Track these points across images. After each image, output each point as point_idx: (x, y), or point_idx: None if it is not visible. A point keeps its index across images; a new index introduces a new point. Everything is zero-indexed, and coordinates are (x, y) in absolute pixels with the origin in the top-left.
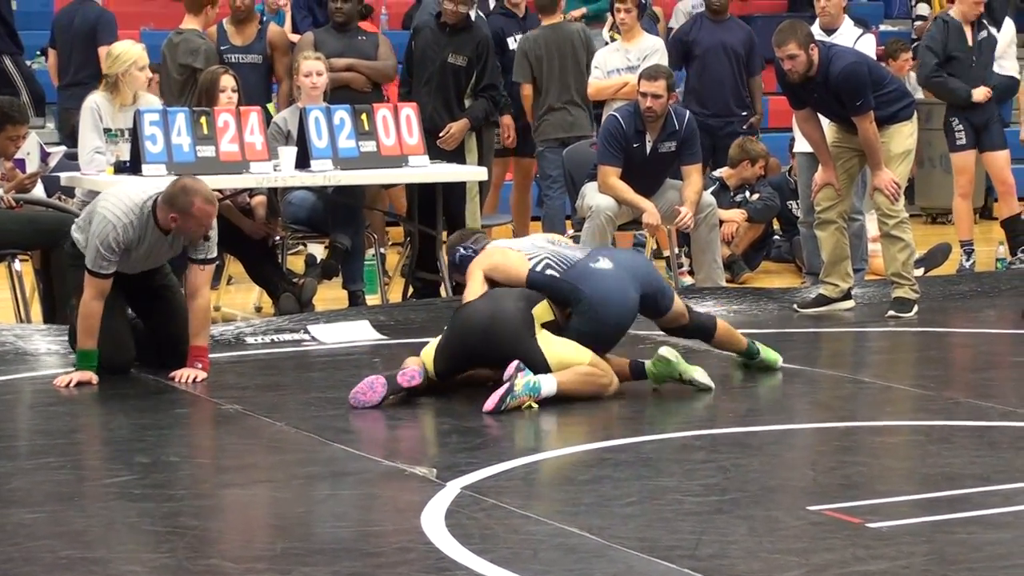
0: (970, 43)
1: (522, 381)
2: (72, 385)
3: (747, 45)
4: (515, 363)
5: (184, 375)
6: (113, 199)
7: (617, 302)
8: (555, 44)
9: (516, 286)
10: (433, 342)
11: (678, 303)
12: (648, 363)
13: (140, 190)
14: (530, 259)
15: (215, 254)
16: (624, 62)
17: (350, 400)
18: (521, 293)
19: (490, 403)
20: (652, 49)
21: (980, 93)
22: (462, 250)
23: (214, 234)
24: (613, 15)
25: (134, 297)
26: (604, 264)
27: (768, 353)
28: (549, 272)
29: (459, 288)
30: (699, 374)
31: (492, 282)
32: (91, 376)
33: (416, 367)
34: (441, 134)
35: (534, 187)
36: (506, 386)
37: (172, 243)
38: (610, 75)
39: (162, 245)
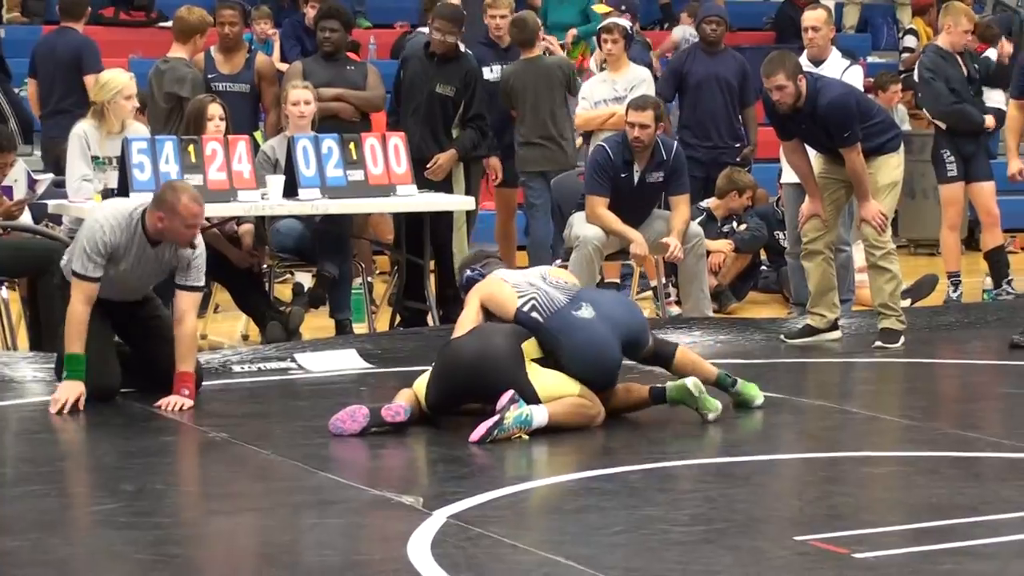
0: (965, 73)
1: (513, 414)
2: (66, 410)
3: (740, 76)
4: (510, 393)
5: (170, 403)
6: (101, 209)
7: (595, 355)
8: (532, 78)
9: (506, 321)
10: (426, 373)
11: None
12: (669, 387)
13: (130, 203)
14: (519, 296)
15: (202, 282)
16: (611, 92)
17: (329, 426)
18: (511, 329)
19: (477, 433)
20: (639, 79)
21: (989, 120)
22: (469, 272)
23: (201, 261)
24: (600, 46)
25: (125, 328)
26: (586, 313)
27: (747, 388)
28: (534, 315)
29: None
30: (714, 411)
31: (486, 311)
32: (80, 389)
33: (404, 403)
34: (429, 165)
35: (520, 216)
36: (496, 418)
37: (159, 259)
38: (597, 106)
39: (149, 261)
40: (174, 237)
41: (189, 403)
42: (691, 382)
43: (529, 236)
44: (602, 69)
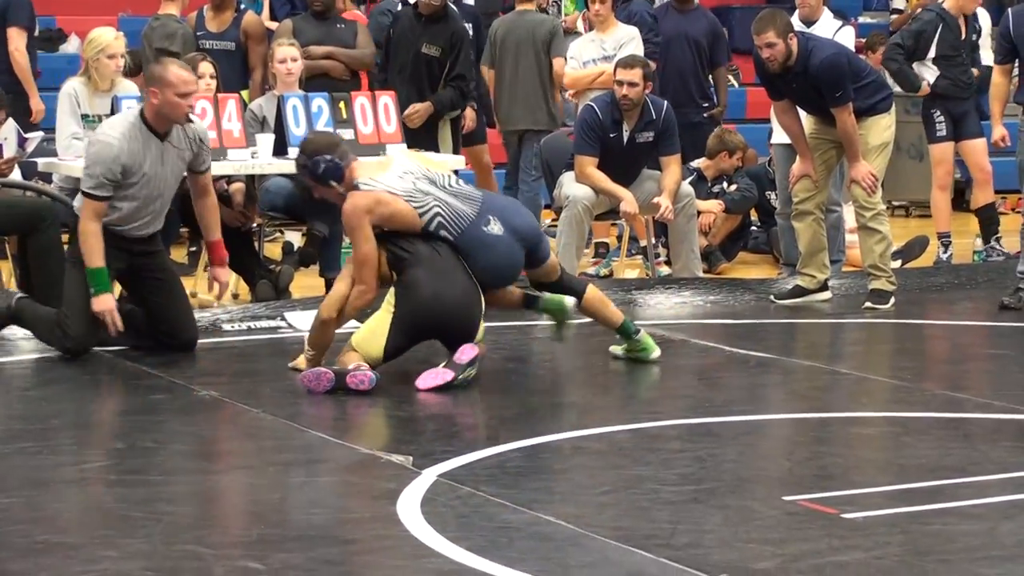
0: (963, 37)
1: (464, 374)
2: (113, 326)
3: (711, 36)
4: (473, 353)
5: (216, 285)
6: (103, 128)
7: (506, 269)
8: (516, 31)
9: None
10: (367, 328)
11: (552, 258)
12: (546, 297)
13: (125, 112)
14: (418, 209)
15: (210, 164)
16: (599, 52)
17: (298, 381)
18: (462, 264)
19: (427, 383)
20: (628, 38)
21: (924, 87)
22: (327, 162)
23: (207, 139)
24: (588, 5)
25: (133, 284)
26: (495, 228)
27: (647, 340)
28: (443, 233)
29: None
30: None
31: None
32: (112, 303)
33: (368, 372)
34: (406, 112)
35: (499, 175)
36: (451, 377)
37: (176, 150)
38: (586, 65)
39: (162, 163)
40: (171, 111)
41: (225, 279)
42: (568, 301)
43: (519, 197)
44: (590, 28)
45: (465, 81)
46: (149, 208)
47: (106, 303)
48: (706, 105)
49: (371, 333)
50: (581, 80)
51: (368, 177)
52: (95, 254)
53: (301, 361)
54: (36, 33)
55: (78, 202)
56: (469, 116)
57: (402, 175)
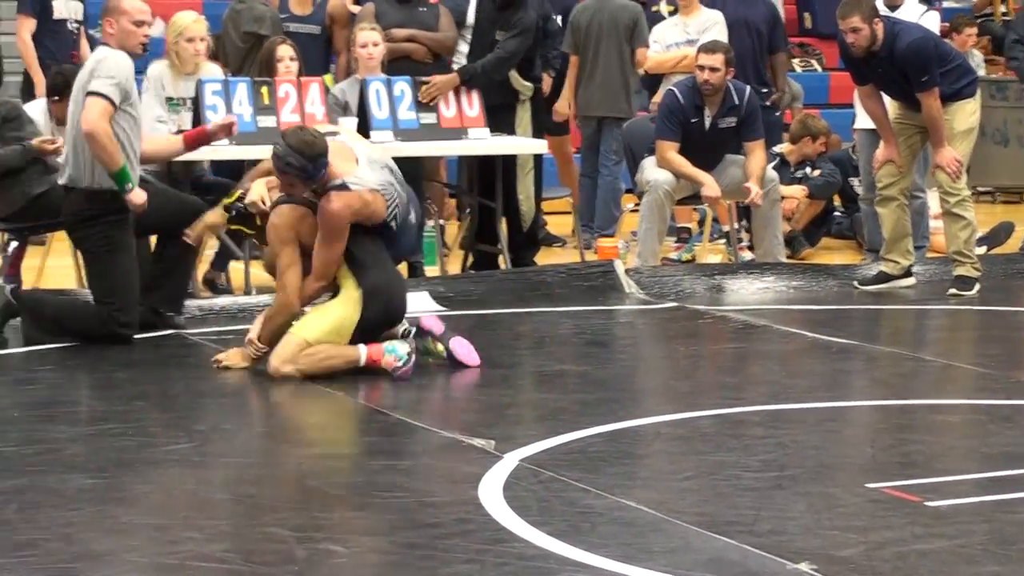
0: None
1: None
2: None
3: (770, 22)
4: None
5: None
6: (110, 55)
7: (408, 251)
8: (598, 17)
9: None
10: (327, 326)
11: None
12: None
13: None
14: (387, 202)
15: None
16: (683, 36)
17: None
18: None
19: (472, 358)
20: (712, 22)
21: None
22: (324, 165)
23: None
24: None
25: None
26: (413, 218)
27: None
28: (391, 224)
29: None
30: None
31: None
32: (144, 195)
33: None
34: (424, 87)
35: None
36: (412, 363)
37: None
38: (668, 49)
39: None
40: (126, 39)
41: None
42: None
43: (600, 183)
44: (671, 14)
45: (505, 59)
46: (137, 142)
47: (142, 196)
48: (764, 91)
49: (335, 332)
50: (664, 64)
51: (353, 176)
52: (118, 153)
53: (235, 357)
54: (56, 15)
55: (71, 170)
56: (547, 82)
57: (371, 166)
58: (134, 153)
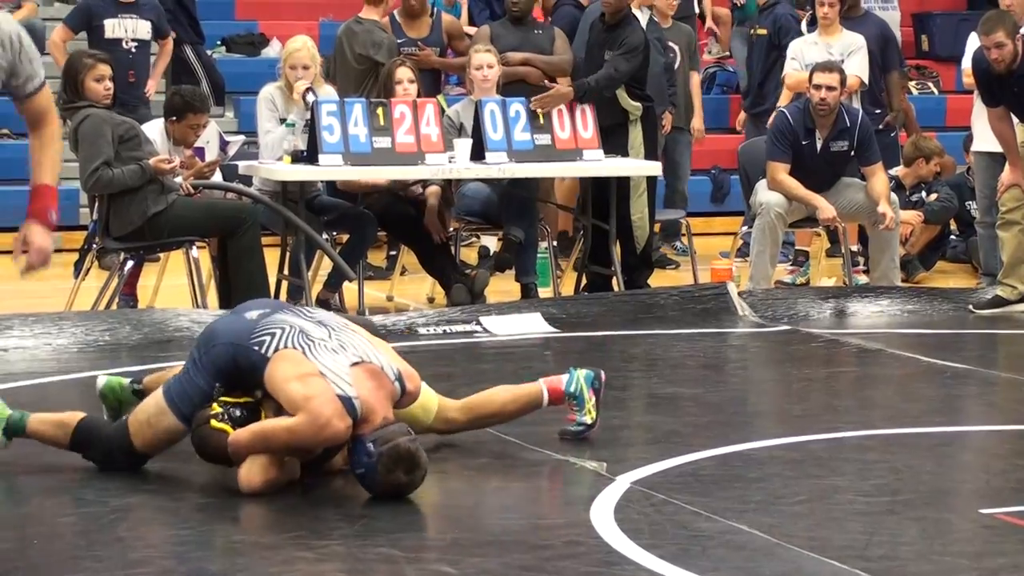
0: None
1: None
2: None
3: (881, 42)
4: None
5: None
6: None
7: None
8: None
9: None
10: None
11: None
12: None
13: None
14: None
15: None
16: (825, 55)
17: None
18: None
19: None
20: (856, 46)
21: None
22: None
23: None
24: (815, 8)
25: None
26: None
27: None
28: None
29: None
30: None
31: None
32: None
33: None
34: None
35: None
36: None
37: None
38: (807, 68)
39: None
40: None
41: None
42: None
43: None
44: (810, 31)
45: (615, 78)
46: None
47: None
48: (878, 112)
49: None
50: (803, 83)
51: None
52: None
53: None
54: (108, 34)
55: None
56: (668, 120)
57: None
58: None
